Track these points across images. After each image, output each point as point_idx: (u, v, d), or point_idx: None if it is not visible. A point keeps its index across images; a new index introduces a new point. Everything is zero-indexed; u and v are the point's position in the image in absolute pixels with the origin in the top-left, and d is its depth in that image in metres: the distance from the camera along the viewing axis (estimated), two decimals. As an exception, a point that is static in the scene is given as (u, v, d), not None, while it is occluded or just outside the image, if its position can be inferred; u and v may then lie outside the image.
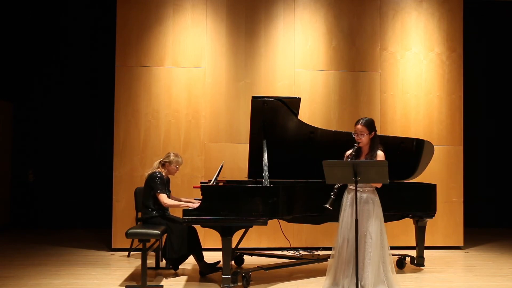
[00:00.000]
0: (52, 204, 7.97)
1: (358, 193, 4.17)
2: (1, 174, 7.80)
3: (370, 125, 4.28)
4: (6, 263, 5.45)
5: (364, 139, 4.26)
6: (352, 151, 4.28)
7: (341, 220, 4.29)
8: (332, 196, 4.20)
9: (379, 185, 4.24)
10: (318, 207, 4.67)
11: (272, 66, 6.46)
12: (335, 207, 4.28)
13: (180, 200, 5.13)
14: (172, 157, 5.04)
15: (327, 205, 4.18)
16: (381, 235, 4.23)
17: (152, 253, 5.21)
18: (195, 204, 4.67)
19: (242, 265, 5.42)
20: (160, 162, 5.07)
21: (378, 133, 4.41)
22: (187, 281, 4.80)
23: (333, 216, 4.82)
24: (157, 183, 4.89)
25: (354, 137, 4.30)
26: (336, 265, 4.27)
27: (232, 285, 4.44)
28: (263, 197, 4.45)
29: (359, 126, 4.26)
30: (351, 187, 4.25)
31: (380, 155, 4.23)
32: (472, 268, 5.50)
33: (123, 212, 6.17)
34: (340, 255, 4.24)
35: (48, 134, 8.04)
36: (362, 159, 4.27)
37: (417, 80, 6.63)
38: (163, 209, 4.95)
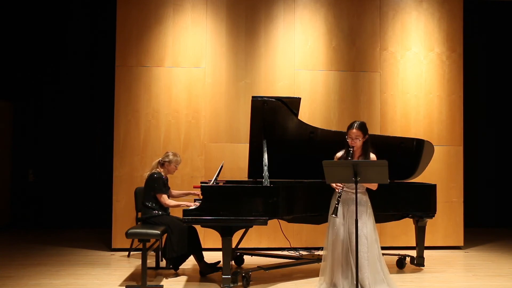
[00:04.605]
0: (52, 204, 7.97)
1: (349, 194, 4.20)
2: (1, 174, 7.80)
3: (364, 128, 4.26)
4: (6, 263, 5.45)
5: (359, 143, 4.25)
6: (344, 154, 4.25)
7: (331, 220, 4.28)
8: (336, 205, 4.12)
9: (374, 187, 4.21)
10: (318, 207, 4.68)
11: (272, 66, 6.46)
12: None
13: (180, 200, 5.14)
14: (171, 157, 5.05)
15: (334, 215, 4.11)
16: (374, 235, 4.24)
17: (152, 253, 5.22)
18: (195, 203, 4.68)
19: (242, 265, 5.42)
20: (159, 162, 5.08)
21: (378, 133, 4.41)
22: (187, 281, 4.81)
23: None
24: (157, 184, 4.91)
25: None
26: (332, 266, 4.25)
27: (232, 285, 4.44)
28: (263, 197, 4.44)
29: (354, 131, 4.21)
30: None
31: (373, 158, 4.23)
32: (472, 268, 5.49)
33: (123, 212, 6.17)
34: (333, 255, 4.23)
35: (48, 134, 8.04)
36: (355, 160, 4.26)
37: (417, 80, 6.63)
38: (163, 209, 4.96)
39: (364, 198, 4.25)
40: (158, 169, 5.03)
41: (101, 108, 7.89)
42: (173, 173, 5.17)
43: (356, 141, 4.22)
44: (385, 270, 4.27)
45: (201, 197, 4.52)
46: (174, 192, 5.27)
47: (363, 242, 4.14)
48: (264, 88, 6.40)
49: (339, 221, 4.21)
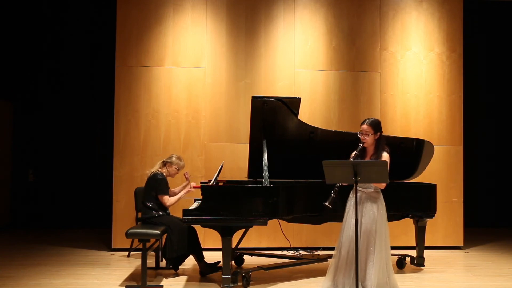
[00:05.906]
0: (52, 204, 7.97)
1: (362, 194, 4.18)
2: (1, 174, 7.80)
3: (376, 125, 4.26)
4: (6, 263, 5.45)
5: (368, 139, 4.24)
6: (356, 151, 4.26)
7: (344, 221, 4.28)
8: (332, 195, 4.16)
9: (382, 186, 4.21)
10: (318, 207, 4.67)
11: (272, 66, 6.46)
12: (337, 207, 4.27)
13: (176, 193, 5.18)
14: (174, 159, 5.07)
15: (327, 203, 4.14)
16: (385, 237, 4.21)
17: (152, 253, 5.22)
18: (192, 189, 4.98)
19: (242, 265, 5.42)
20: (163, 162, 5.09)
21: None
22: (187, 281, 4.81)
23: (334, 216, 4.84)
24: (160, 185, 4.91)
25: (354, 138, 4.30)
26: (336, 266, 4.25)
27: (232, 285, 4.44)
28: (263, 197, 4.44)
29: (364, 126, 4.24)
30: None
31: (385, 156, 4.21)
32: (472, 268, 5.50)
33: (123, 212, 6.17)
34: (341, 255, 4.22)
35: (48, 134, 8.04)
36: (367, 159, 4.26)
37: (417, 80, 6.63)
38: (163, 209, 4.96)
39: (376, 197, 4.21)
40: (161, 170, 5.04)
41: (101, 108, 7.89)
42: (174, 177, 5.18)
43: (366, 137, 4.23)
44: (390, 271, 4.25)
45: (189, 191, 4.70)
46: (171, 191, 5.23)
47: (371, 241, 4.13)
48: (264, 88, 6.40)
49: (349, 221, 4.21)
